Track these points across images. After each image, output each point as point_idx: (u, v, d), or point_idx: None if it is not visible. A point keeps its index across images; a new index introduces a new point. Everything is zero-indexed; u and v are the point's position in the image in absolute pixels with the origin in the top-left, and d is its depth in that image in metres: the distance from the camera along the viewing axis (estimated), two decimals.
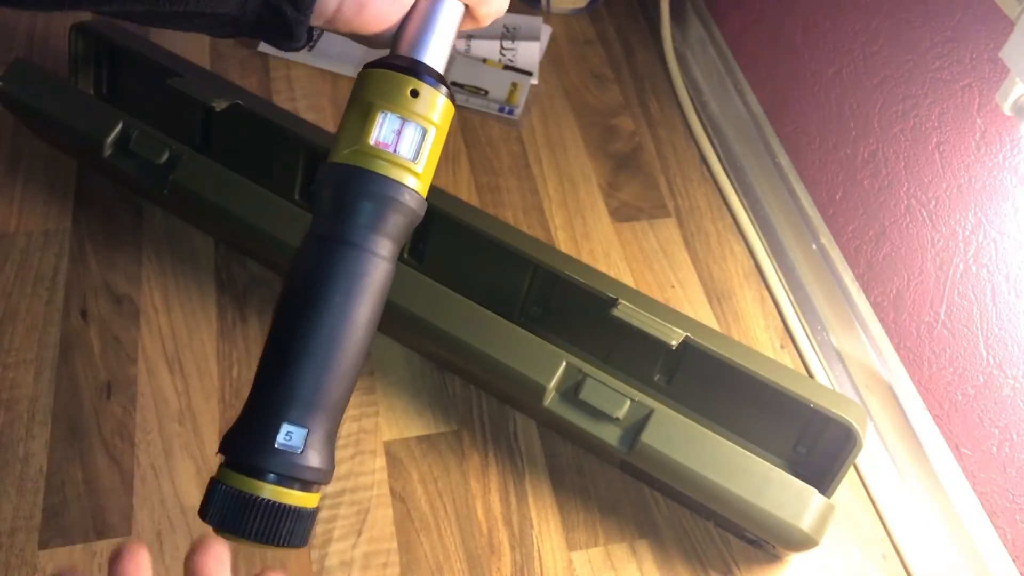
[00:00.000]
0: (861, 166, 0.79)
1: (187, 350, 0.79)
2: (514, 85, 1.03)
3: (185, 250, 0.85)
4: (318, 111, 0.99)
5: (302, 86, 1.01)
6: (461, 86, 1.02)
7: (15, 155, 0.91)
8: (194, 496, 0.71)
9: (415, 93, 0.41)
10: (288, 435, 0.38)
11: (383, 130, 0.41)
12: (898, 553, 0.73)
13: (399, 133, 0.41)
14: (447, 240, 0.78)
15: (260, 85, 1.01)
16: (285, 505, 0.38)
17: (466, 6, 0.44)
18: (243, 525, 0.37)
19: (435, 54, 0.43)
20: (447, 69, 1.02)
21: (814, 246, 0.86)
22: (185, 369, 0.78)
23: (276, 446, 0.38)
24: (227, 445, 0.39)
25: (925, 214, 0.71)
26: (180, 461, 0.72)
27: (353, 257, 0.40)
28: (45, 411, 0.74)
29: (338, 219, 0.41)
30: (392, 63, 0.42)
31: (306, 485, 0.39)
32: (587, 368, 0.67)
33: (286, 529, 0.38)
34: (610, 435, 0.66)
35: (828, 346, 0.84)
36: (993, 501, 0.68)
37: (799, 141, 0.89)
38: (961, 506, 0.70)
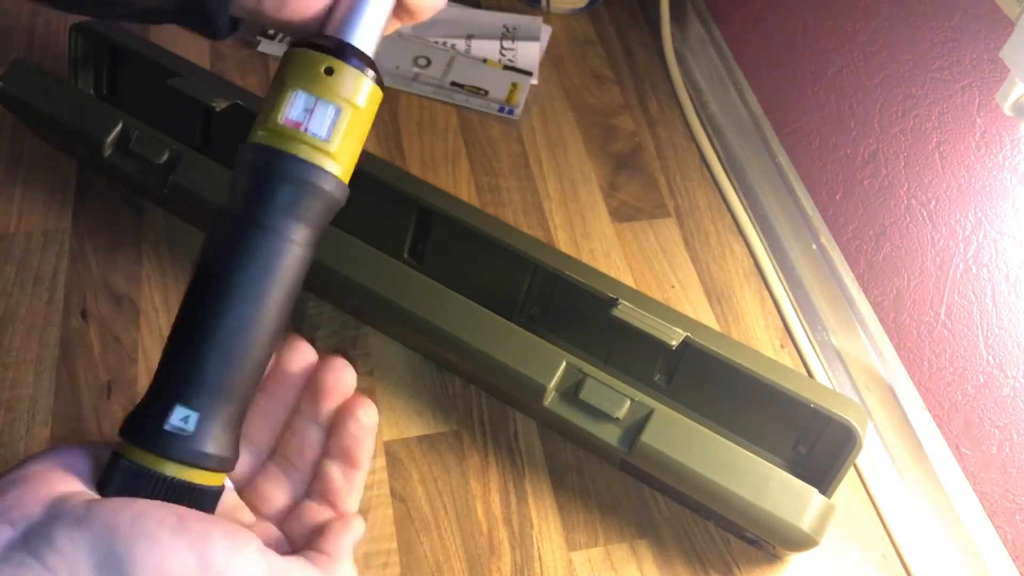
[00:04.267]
0: (861, 166, 0.79)
1: None
2: (514, 85, 1.03)
3: (185, 250, 0.85)
4: None
5: None
6: (461, 86, 1.02)
7: (15, 155, 0.91)
8: None
9: (330, 71, 0.40)
10: (181, 418, 0.37)
11: (293, 108, 0.39)
12: (898, 553, 0.73)
13: (310, 112, 0.39)
14: (447, 240, 0.78)
15: (260, 85, 1.01)
16: (185, 482, 0.37)
17: None
18: None
19: (361, 36, 0.42)
20: (447, 69, 1.02)
21: (814, 246, 0.86)
22: None
23: (165, 428, 0.37)
24: (125, 425, 0.38)
25: (925, 214, 0.71)
26: None
27: (258, 238, 0.39)
28: (45, 411, 0.74)
29: (246, 200, 0.39)
30: (310, 41, 0.41)
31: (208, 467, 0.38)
32: (587, 368, 0.67)
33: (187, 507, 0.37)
34: (610, 435, 0.66)
35: (828, 346, 0.84)
36: (993, 501, 0.68)
37: (799, 141, 0.89)
38: (961, 506, 0.70)
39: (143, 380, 0.77)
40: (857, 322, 0.81)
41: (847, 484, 0.76)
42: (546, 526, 0.71)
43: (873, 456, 0.78)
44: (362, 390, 0.78)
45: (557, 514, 0.72)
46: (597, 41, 1.11)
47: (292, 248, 0.39)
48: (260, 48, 1.04)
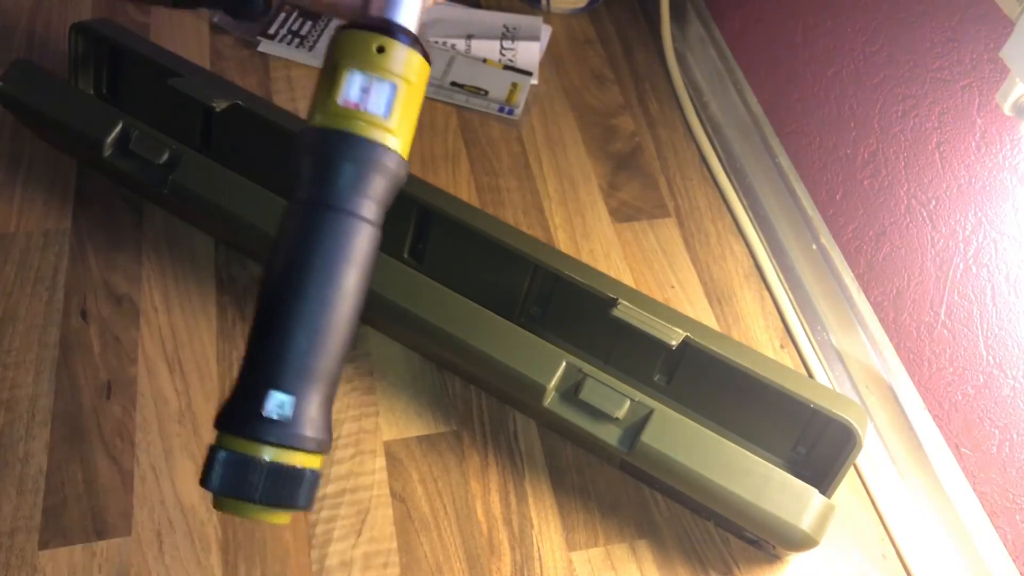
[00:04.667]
0: (861, 166, 0.79)
1: (187, 350, 0.79)
2: (514, 85, 1.03)
3: (185, 250, 0.85)
4: None
5: (302, 86, 1.01)
6: (461, 86, 1.02)
7: (15, 155, 0.91)
8: (194, 496, 0.71)
9: (381, 49, 0.40)
10: (277, 403, 0.37)
11: (351, 89, 0.40)
12: (898, 553, 0.73)
13: (367, 91, 0.40)
14: (447, 240, 0.78)
15: (260, 85, 1.01)
16: (287, 466, 0.37)
17: None
18: (246, 487, 0.37)
19: (405, 13, 0.42)
20: (447, 69, 1.02)
21: (814, 246, 0.86)
22: (185, 369, 0.78)
23: (264, 415, 0.37)
24: (221, 416, 0.38)
25: (925, 214, 0.71)
26: (180, 461, 0.72)
27: (332, 219, 0.40)
28: (45, 411, 0.74)
29: (315, 183, 0.40)
30: (358, 22, 0.41)
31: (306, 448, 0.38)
32: (587, 368, 0.67)
33: (289, 490, 0.37)
34: (610, 435, 0.66)
35: (828, 346, 0.84)
36: (993, 501, 0.68)
37: (799, 141, 0.89)
38: (961, 506, 0.70)
39: (143, 380, 0.77)
40: (857, 322, 0.81)
41: (847, 484, 0.76)
42: (546, 526, 0.71)
43: (873, 456, 0.78)
44: (362, 390, 0.78)
45: (557, 514, 0.72)
46: (597, 41, 1.11)
47: (363, 226, 0.40)
48: (260, 48, 1.04)
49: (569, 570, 0.69)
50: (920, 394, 0.74)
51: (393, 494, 0.72)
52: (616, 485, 0.74)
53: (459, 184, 0.94)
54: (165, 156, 0.78)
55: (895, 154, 0.74)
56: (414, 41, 0.42)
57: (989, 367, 0.66)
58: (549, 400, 0.67)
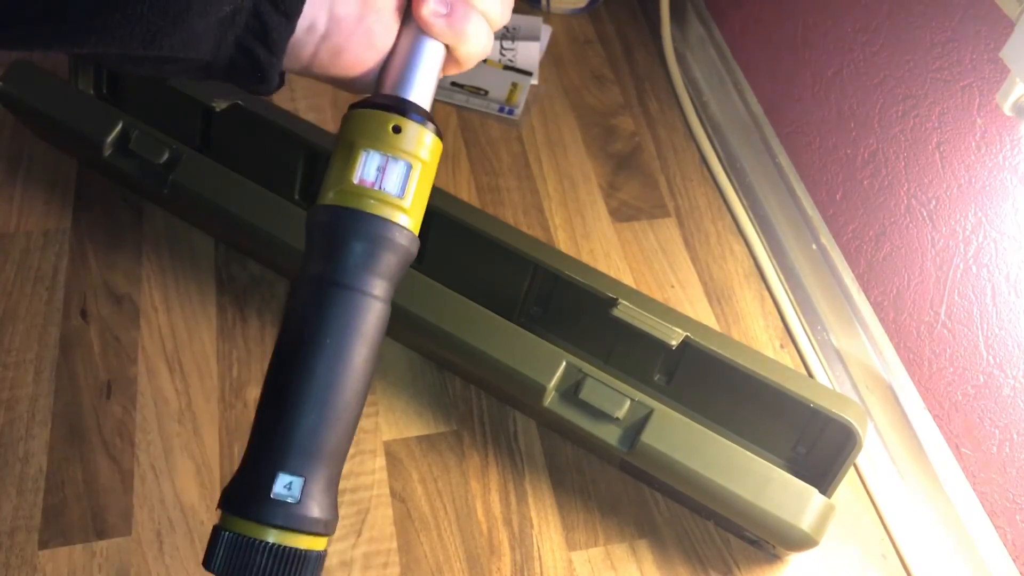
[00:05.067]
0: (861, 166, 0.79)
1: (187, 350, 0.79)
2: (514, 85, 1.03)
3: (185, 250, 0.85)
4: (318, 111, 0.99)
5: (302, 86, 1.01)
6: (461, 86, 1.02)
7: (15, 155, 0.91)
8: (194, 496, 0.71)
9: (397, 129, 0.41)
10: (285, 485, 0.37)
11: (366, 168, 0.40)
12: (898, 553, 0.73)
13: (383, 170, 0.41)
14: (447, 240, 0.78)
15: None
16: (292, 548, 0.37)
17: (446, 47, 0.43)
18: (250, 571, 0.36)
19: (418, 91, 0.43)
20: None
21: (814, 246, 0.86)
22: (185, 369, 0.78)
23: (272, 496, 0.37)
24: (225, 497, 0.38)
25: (925, 214, 0.71)
26: (180, 461, 0.72)
27: (344, 298, 0.40)
28: (45, 411, 0.74)
29: (327, 260, 0.40)
30: (373, 101, 0.42)
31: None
32: (587, 368, 0.67)
33: (295, 573, 0.37)
34: (610, 435, 0.66)
35: (828, 346, 0.84)
36: (993, 501, 0.68)
37: (799, 141, 0.89)
38: (961, 506, 0.70)
39: (143, 380, 0.77)
40: (857, 322, 0.81)
41: (847, 484, 0.76)
42: (546, 526, 0.71)
43: (873, 456, 0.78)
44: None
45: (557, 514, 0.72)
46: (597, 41, 1.11)
47: (375, 304, 0.41)
48: None
49: (569, 570, 0.69)
50: (920, 394, 0.74)
51: (393, 494, 0.72)
52: (616, 485, 0.74)
53: (459, 184, 0.94)
54: (165, 156, 0.78)
55: (895, 154, 0.74)
56: (428, 119, 0.42)
57: (989, 367, 0.66)
58: (549, 400, 0.67)
